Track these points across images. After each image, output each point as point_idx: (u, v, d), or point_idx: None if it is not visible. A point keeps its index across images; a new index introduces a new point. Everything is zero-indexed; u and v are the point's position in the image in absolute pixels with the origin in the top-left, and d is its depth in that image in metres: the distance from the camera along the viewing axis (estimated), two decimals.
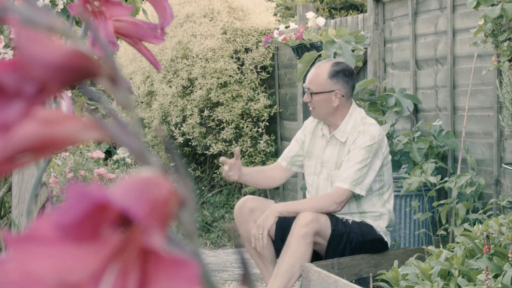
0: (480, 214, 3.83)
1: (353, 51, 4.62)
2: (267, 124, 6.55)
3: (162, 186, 0.42)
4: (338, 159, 3.72)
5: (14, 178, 2.90)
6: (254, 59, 6.47)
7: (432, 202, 4.25)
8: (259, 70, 6.52)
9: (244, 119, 6.48)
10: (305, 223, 3.48)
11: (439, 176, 4.05)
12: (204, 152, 6.56)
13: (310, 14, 5.34)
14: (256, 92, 6.48)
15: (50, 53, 0.44)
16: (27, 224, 0.84)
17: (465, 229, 3.34)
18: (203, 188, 6.81)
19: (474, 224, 3.33)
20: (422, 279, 3.05)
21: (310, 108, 3.80)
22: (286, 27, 5.79)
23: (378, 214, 3.75)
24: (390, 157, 3.80)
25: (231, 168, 3.69)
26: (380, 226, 3.74)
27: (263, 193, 6.63)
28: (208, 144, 6.45)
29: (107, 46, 0.47)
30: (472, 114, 4.27)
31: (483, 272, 2.74)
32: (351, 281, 3.45)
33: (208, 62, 6.37)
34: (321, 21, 5.29)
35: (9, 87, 0.44)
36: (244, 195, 6.07)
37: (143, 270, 0.41)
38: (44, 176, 0.85)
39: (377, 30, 5.16)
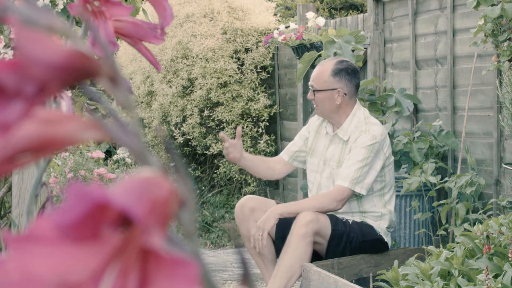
0: (480, 214, 3.83)
1: (353, 51, 4.62)
2: (267, 124, 6.55)
3: (162, 186, 0.42)
4: (340, 158, 3.72)
5: (14, 178, 2.90)
6: (254, 59, 6.47)
7: (432, 202, 4.25)
8: (259, 70, 6.52)
9: (244, 119, 6.48)
10: (305, 223, 3.49)
11: (439, 176, 4.05)
12: (204, 152, 6.56)
13: (310, 14, 5.34)
14: (256, 92, 6.48)
15: (50, 53, 0.44)
16: (27, 224, 0.84)
17: (465, 229, 3.34)
18: (203, 188, 6.81)
19: (474, 224, 3.33)
20: (422, 279, 3.05)
21: (314, 106, 3.82)
22: (286, 27, 5.79)
23: (379, 214, 3.75)
24: (392, 158, 3.80)
25: (232, 147, 3.69)
26: (380, 226, 3.74)
27: (263, 193, 6.63)
28: (208, 144, 6.45)
29: (107, 46, 0.47)
30: (472, 114, 4.27)
31: (483, 272, 2.74)
32: (351, 281, 3.45)
33: (208, 62, 6.37)
34: (321, 21, 5.29)
35: (9, 87, 0.44)
36: (244, 195, 6.07)
37: (143, 270, 0.41)
38: (44, 176, 0.85)
39: (377, 30, 5.16)
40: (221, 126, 6.42)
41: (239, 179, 6.53)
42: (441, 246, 3.39)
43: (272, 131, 6.66)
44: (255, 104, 6.43)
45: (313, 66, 4.75)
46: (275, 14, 7.46)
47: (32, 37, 0.44)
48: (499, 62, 3.56)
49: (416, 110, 4.79)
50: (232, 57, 6.44)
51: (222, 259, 5.63)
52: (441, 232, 3.98)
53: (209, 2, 6.56)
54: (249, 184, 6.56)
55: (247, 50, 6.53)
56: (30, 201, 0.85)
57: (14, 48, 0.44)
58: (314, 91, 3.76)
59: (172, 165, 0.44)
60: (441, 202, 4.01)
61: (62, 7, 3.15)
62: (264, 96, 6.53)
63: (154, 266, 0.41)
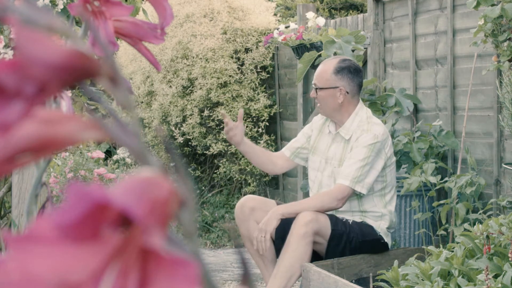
0: (480, 214, 3.83)
1: (353, 51, 4.62)
2: (267, 124, 6.55)
3: (162, 186, 0.42)
4: (341, 156, 3.73)
5: (14, 178, 2.90)
6: (254, 59, 6.47)
7: (432, 202, 4.25)
8: (259, 70, 6.52)
9: (244, 119, 6.48)
10: (304, 222, 3.49)
11: (439, 176, 4.05)
12: (204, 152, 6.56)
13: (310, 14, 5.34)
14: (256, 92, 6.48)
15: (50, 53, 0.44)
16: (27, 224, 0.84)
17: (465, 229, 3.34)
18: (203, 188, 6.81)
19: (474, 224, 3.33)
20: (422, 279, 3.05)
21: (318, 105, 3.83)
22: (286, 27, 5.79)
23: (379, 214, 3.75)
24: (394, 159, 3.80)
25: (234, 129, 3.70)
26: (381, 227, 3.74)
27: (263, 193, 6.63)
28: (208, 144, 6.45)
29: (107, 46, 0.47)
30: (472, 114, 4.27)
31: (483, 272, 2.74)
32: (351, 281, 3.45)
33: (208, 62, 6.37)
34: (321, 21, 5.29)
35: (9, 87, 0.44)
36: (244, 195, 6.07)
37: (143, 270, 0.41)
38: (44, 176, 0.85)
39: (377, 30, 5.16)
40: (221, 126, 6.42)
41: (239, 179, 6.53)
42: (441, 246, 3.39)
43: (272, 131, 6.66)
44: (255, 104, 6.44)
45: (313, 66, 4.75)
46: (275, 14, 7.46)
47: (32, 37, 0.44)
48: (499, 62, 3.56)
49: (416, 110, 4.79)
50: (232, 57, 6.44)
51: (222, 259, 5.63)
52: (441, 232, 3.98)
53: (209, 2, 6.56)
54: (249, 184, 6.56)
55: (247, 50, 6.53)
56: (30, 201, 0.85)
57: (14, 48, 0.44)
58: (316, 89, 3.77)
59: (172, 165, 0.44)
60: (441, 202, 4.01)
61: (62, 7, 3.15)
62: (264, 96, 6.53)
63: (154, 266, 0.41)
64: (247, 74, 6.44)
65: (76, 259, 0.40)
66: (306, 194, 4.68)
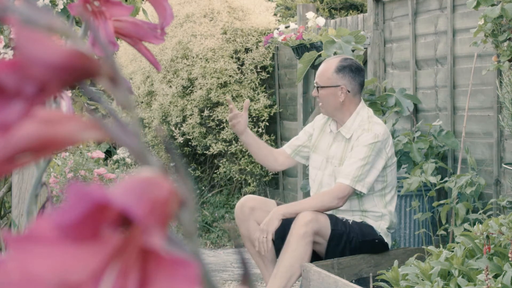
0: (480, 214, 3.83)
1: (353, 51, 4.62)
2: (267, 124, 6.55)
3: (162, 186, 0.42)
4: (342, 156, 3.73)
5: (14, 178, 2.90)
6: (254, 59, 6.47)
7: (432, 202, 4.25)
8: (259, 70, 6.52)
9: None
10: (304, 222, 3.49)
11: (439, 176, 4.05)
12: (204, 152, 6.56)
13: (310, 14, 5.34)
14: (256, 92, 6.48)
15: (50, 53, 0.44)
16: (27, 224, 0.84)
17: (465, 229, 3.34)
18: (203, 188, 6.81)
19: (474, 224, 3.33)
20: (422, 279, 3.05)
21: (320, 104, 3.83)
22: (286, 27, 5.79)
23: (380, 214, 3.75)
24: (395, 159, 3.80)
25: (238, 118, 3.70)
26: (381, 227, 3.74)
27: (263, 193, 6.63)
28: (208, 144, 6.45)
29: (107, 46, 0.47)
30: (472, 114, 4.27)
31: (483, 272, 2.74)
32: (351, 281, 3.45)
33: (208, 62, 6.37)
34: (321, 21, 5.29)
35: (9, 87, 0.44)
36: (244, 195, 6.07)
37: (143, 270, 0.41)
38: (44, 176, 0.85)
39: (377, 30, 5.16)
40: (221, 126, 6.42)
41: (239, 179, 6.53)
42: (441, 246, 3.39)
43: (272, 131, 6.66)
44: (255, 104, 6.44)
45: (313, 66, 4.75)
46: (275, 14, 7.46)
47: (32, 37, 0.44)
48: (499, 62, 3.56)
49: (416, 110, 4.79)
50: (232, 57, 6.44)
51: (222, 259, 5.63)
52: (441, 232, 3.98)
53: (209, 2, 6.56)
54: (249, 184, 6.56)
55: (247, 50, 6.53)
56: (30, 201, 0.85)
57: (14, 48, 0.44)
58: (318, 87, 3.78)
59: (172, 165, 0.44)
60: (441, 202, 4.01)
61: (62, 7, 3.15)
62: (264, 96, 6.53)
63: (154, 266, 0.41)
64: (247, 74, 6.44)
65: (76, 259, 0.40)
66: (306, 194, 4.68)
